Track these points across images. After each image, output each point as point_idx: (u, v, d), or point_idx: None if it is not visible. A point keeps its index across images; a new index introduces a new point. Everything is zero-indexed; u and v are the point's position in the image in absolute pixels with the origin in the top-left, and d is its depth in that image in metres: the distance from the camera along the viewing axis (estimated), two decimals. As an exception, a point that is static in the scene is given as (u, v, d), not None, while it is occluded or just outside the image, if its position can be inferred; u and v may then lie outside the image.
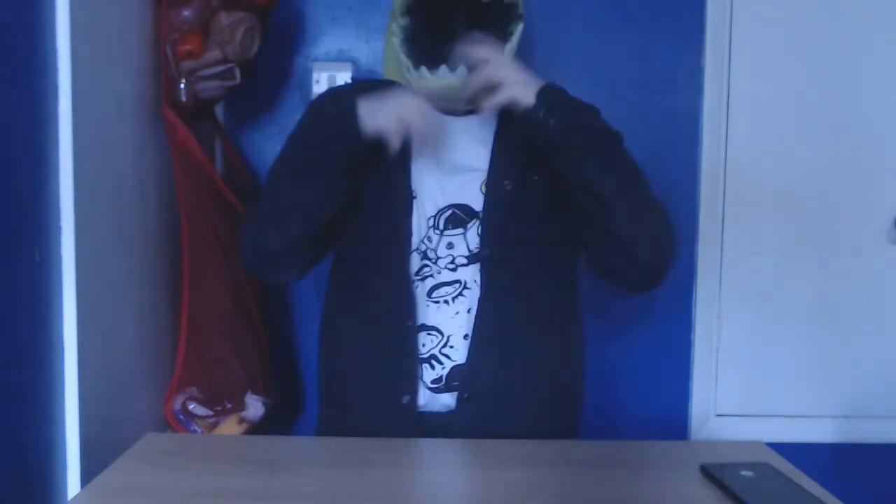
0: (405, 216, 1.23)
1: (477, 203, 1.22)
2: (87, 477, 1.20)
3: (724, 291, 2.06)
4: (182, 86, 1.58)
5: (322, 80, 1.97)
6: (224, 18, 1.57)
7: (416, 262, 1.22)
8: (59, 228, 1.20)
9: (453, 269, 1.21)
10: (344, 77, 1.97)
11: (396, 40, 1.27)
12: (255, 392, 1.67)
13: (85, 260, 1.23)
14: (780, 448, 1.02)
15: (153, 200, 1.60)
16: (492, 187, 1.23)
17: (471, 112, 1.29)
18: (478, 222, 1.22)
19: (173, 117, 1.57)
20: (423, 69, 1.22)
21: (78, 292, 1.21)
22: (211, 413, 1.61)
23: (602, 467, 0.97)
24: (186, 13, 1.56)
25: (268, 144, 2.02)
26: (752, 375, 2.08)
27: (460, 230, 1.22)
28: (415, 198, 1.23)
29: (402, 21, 1.29)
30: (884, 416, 2.08)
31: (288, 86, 2.01)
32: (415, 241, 1.23)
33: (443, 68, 1.22)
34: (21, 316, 1.12)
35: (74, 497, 0.88)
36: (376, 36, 1.98)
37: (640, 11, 1.99)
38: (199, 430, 1.60)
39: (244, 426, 1.64)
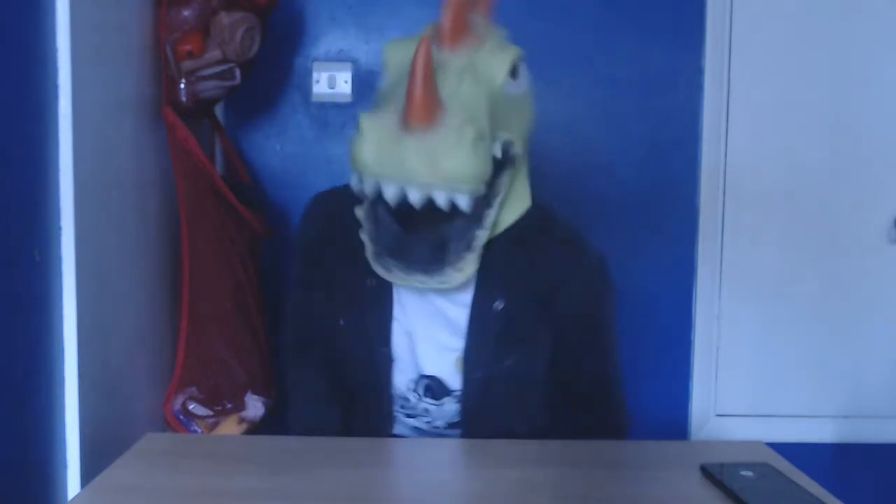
0: (386, 377, 1.19)
1: (452, 380, 1.16)
2: (87, 477, 1.20)
3: (724, 291, 2.06)
4: (182, 86, 1.58)
5: (322, 80, 1.97)
6: (224, 18, 1.58)
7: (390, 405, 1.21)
8: (59, 228, 1.20)
9: (431, 425, 1.20)
10: (344, 77, 1.97)
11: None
12: (255, 392, 1.67)
13: (85, 260, 1.23)
14: (781, 448, 1.02)
15: (153, 200, 1.60)
16: (467, 372, 1.14)
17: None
18: (454, 401, 1.17)
19: (173, 117, 1.57)
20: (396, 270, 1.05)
21: (78, 292, 1.21)
22: (211, 413, 1.61)
23: (602, 467, 0.97)
24: (186, 13, 1.56)
25: (268, 144, 2.02)
26: (752, 375, 2.08)
27: (437, 402, 1.18)
28: (393, 361, 1.18)
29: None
30: (884, 416, 2.08)
31: (288, 86, 2.01)
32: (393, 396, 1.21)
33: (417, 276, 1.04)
34: (21, 316, 1.12)
35: (74, 497, 0.88)
36: (376, 36, 1.98)
37: (640, 11, 2.00)
38: (199, 430, 1.60)
39: (244, 426, 1.64)
